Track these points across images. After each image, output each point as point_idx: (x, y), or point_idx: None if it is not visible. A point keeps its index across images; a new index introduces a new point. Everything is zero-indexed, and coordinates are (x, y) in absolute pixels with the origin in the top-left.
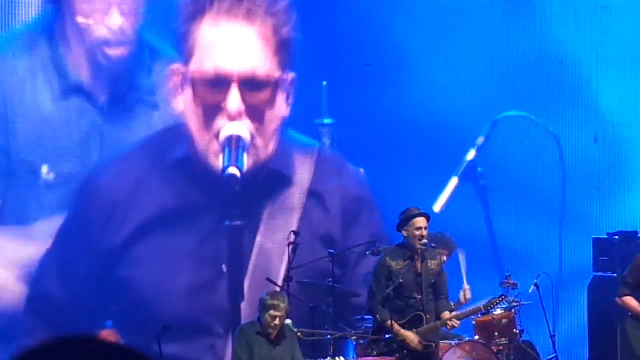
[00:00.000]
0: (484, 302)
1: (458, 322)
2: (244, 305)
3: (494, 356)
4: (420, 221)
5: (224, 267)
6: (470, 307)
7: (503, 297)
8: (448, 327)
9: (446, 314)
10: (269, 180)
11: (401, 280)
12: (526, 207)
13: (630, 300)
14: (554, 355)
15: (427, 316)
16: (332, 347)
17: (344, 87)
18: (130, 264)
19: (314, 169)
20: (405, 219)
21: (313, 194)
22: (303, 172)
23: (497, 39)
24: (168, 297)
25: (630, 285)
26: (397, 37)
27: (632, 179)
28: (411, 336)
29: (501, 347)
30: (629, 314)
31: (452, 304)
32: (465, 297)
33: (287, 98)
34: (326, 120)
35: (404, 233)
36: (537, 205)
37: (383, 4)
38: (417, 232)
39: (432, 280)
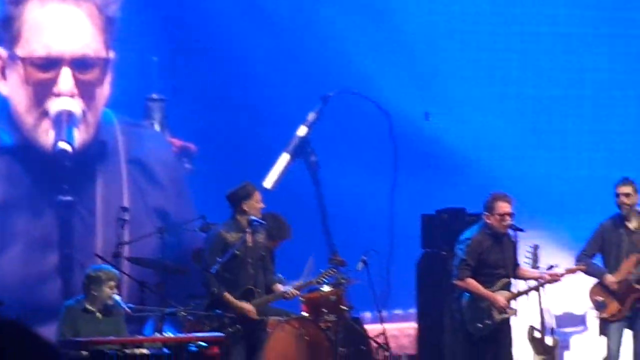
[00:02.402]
0: (315, 277)
1: (297, 291)
2: (75, 281)
3: (322, 333)
4: (259, 196)
5: None
6: (306, 280)
7: (334, 270)
8: (288, 297)
9: (279, 287)
10: (97, 155)
11: (237, 252)
12: (357, 183)
13: (473, 282)
14: (382, 331)
15: (259, 290)
16: (161, 323)
17: (176, 65)
18: None
19: (130, 139)
20: (247, 195)
21: (133, 162)
22: (123, 143)
23: (328, 14)
24: (4, 277)
25: (471, 267)
26: (226, 13)
27: (462, 156)
28: (247, 306)
29: (329, 324)
30: (467, 294)
31: (281, 277)
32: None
33: (109, 77)
34: (156, 96)
35: (245, 207)
36: (368, 182)
37: None
38: (258, 205)
39: (262, 253)
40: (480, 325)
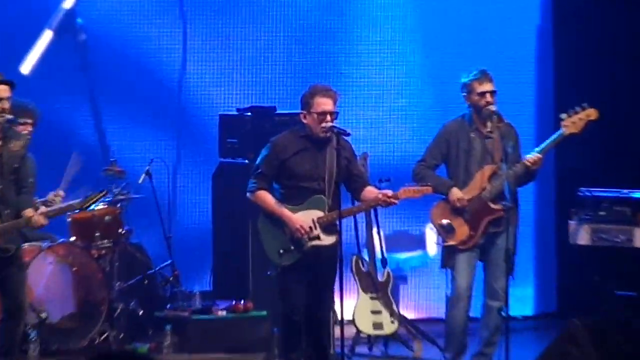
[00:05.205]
0: (79, 199)
1: (45, 220)
2: None
3: (94, 262)
4: (3, 90)
5: None
6: (65, 204)
7: (105, 192)
8: (34, 225)
9: (29, 212)
10: None
11: None
12: (135, 73)
13: (265, 196)
14: (170, 261)
15: (8, 210)
16: None
17: None
18: None
19: None
20: None
21: None
22: None
23: None
24: None
25: (267, 177)
26: None
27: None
28: None
29: (103, 251)
30: (262, 211)
31: (37, 200)
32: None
33: None
34: None
35: None
36: (151, 74)
37: None
38: None
39: (16, 165)
40: (281, 251)
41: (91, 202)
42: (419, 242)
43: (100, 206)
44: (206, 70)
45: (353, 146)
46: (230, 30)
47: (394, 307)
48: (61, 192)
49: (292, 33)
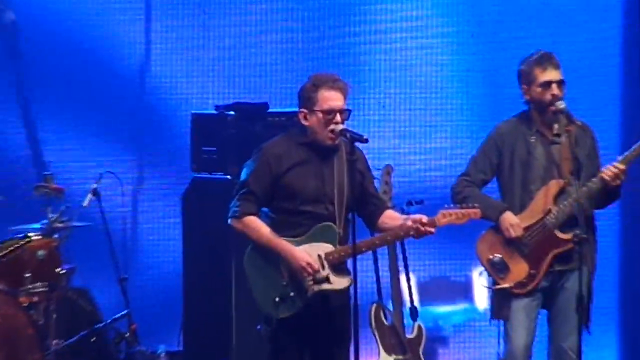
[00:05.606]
0: None
1: None
2: None
3: (23, 313)
4: None
5: None
6: None
7: (29, 239)
8: None
9: None
10: None
11: None
12: (81, 62)
13: (254, 223)
14: (125, 311)
15: None
16: None
17: None
18: None
19: None
20: None
21: None
22: None
23: None
24: None
25: (257, 197)
26: None
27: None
28: None
29: (35, 298)
30: (251, 244)
31: None
32: None
33: None
34: None
35: None
36: (103, 63)
37: None
38: None
39: None
40: (277, 298)
41: (8, 250)
42: (465, 292)
43: (35, 236)
44: (176, 57)
45: (371, 157)
46: (209, 4)
47: None
48: None
49: (292, 6)
